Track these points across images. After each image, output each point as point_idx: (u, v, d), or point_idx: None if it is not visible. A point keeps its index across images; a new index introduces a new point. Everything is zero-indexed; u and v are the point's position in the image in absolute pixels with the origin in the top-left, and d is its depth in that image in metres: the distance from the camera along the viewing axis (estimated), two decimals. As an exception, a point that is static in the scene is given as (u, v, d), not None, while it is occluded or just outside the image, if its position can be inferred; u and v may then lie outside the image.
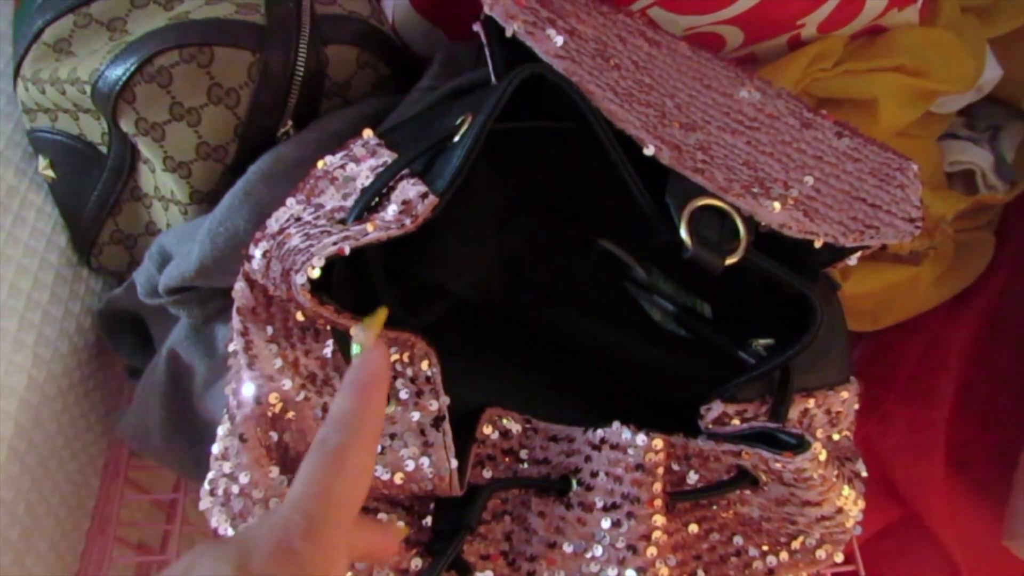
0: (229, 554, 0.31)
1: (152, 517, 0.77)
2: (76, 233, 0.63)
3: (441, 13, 0.61)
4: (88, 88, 0.54)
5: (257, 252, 0.42)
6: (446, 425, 0.44)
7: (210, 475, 0.44)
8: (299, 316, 0.44)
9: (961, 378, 0.71)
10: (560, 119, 0.46)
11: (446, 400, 0.44)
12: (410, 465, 0.44)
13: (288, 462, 0.44)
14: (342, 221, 0.42)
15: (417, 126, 0.48)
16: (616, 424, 0.46)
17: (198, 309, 0.55)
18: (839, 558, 0.50)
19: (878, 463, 0.71)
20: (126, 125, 0.54)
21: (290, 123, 0.56)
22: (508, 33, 0.45)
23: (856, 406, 0.51)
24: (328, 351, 0.44)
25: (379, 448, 0.44)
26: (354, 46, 0.57)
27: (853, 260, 0.49)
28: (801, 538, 0.49)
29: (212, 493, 0.44)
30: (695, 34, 0.57)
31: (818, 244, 0.46)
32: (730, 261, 0.44)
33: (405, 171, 0.42)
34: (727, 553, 0.49)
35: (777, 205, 0.45)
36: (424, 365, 0.44)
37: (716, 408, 0.47)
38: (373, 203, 0.42)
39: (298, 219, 0.42)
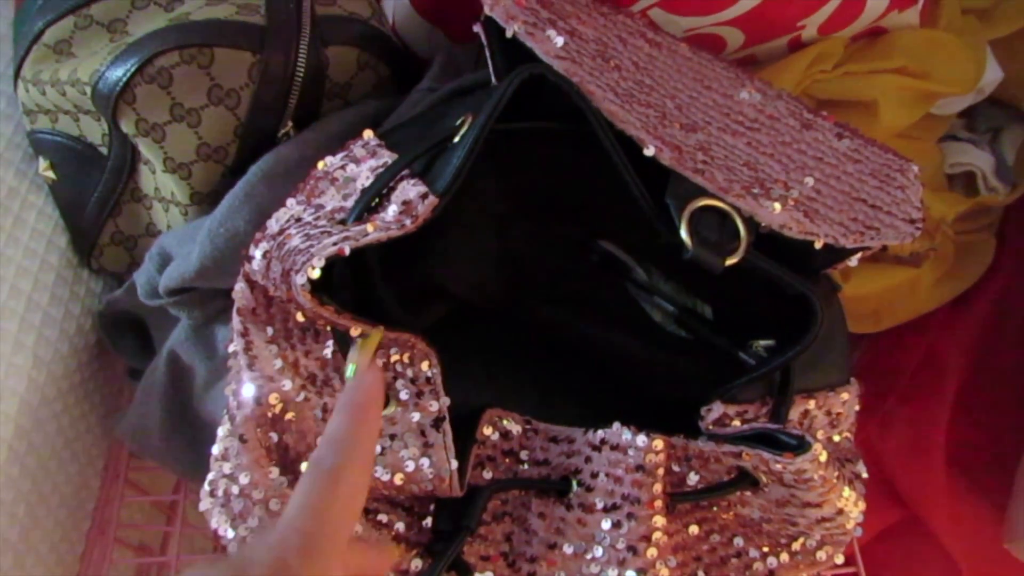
0: (226, 573, 0.32)
1: (152, 518, 0.77)
2: (76, 234, 0.63)
3: (442, 14, 0.61)
4: (88, 89, 0.54)
5: (257, 253, 0.42)
6: (446, 426, 0.44)
7: (210, 476, 0.44)
8: (299, 317, 0.44)
9: (962, 380, 0.71)
10: (560, 120, 0.46)
11: (446, 401, 0.44)
12: (410, 466, 0.44)
13: (288, 463, 0.44)
14: (342, 222, 0.42)
15: (417, 127, 0.49)
16: (616, 425, 0.46)
17: (198, 310, 0.55)
18: (840, 559, 0.50)
19: (879, 465, 0.71)
20: (126, 126, 0.54)
21: (290, 124, 0.56)
22: (508, 34, 0.45)
23: (857, 407, 0.51)
24: (328, 352, 0.44)
25: (379, 449, 0.44)
26: (354, 47, 0.57)
27: (854, 261, 0.49)
28: (802, 539, 0.49)
29: (212, 494, 0.44)
30: (695, 35, 0.57)
31: (818, 245, 0.46)
32: (730, 262, 0.44)
33: (405, 172, 0.42)
34: (727, 554, 0.49)
35: (777, 206, 0.45)
36: (424, 366, 0.44)
37: (716, 409, 0.47)
38: (373, 204, 0.42)
39: (298, 220, 0.42)
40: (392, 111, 0.55)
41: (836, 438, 0.49)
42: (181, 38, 0.52)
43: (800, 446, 0.43)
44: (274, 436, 0.43)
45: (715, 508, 0.49)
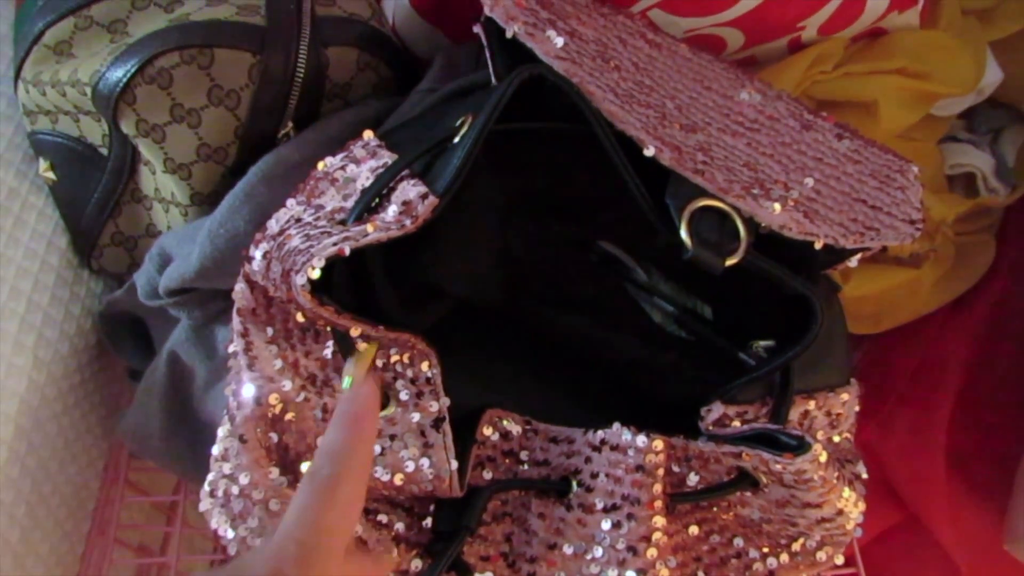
0: None
1: (152, 519, 0.77)
2: (77, 235, 0.63)
3: (442, 15, 0.61)
4: (89, 90, 0.54)
5: (257, 253, 0.42)
6: (446, 426, 0.44)
7: (210, 476, 0.44)
8: (299, 317, 0.44)
9: (962, 381, 0.71)
10: (560, 121, 0.46)
11: (446, 401, 0.44)
12: (410, 466, 0.44)
13: (288, 463, 0.44)
14: (342, 222, 0.42)
15: (417, 127, 0.49)
16: (616, 425, 0.46)
17: (198, 311, 0.55)
18: (840, 560, 0.50)
19: (879, 466, 0.71)
20: (126, 127, 0.54)
21: (290, 125, 0.56)
22: (508, 34, 0.45)
23: (857, 408, 0.51)
24: (328, 352, 0.44)
25: (379, 449, 0.44)
26: (354, 48, 0.57)
27: (853, 262, 0.49)
28: (802, 540, 0.49)
29: (212, 494, 0.44)
30: (695, 36, 0.57)
31: (818, 245, 0.46)
32: (730, 262, 0.44)
33: (405, 172, 0.42)
34: (727, 555, 0.49)
35: (777, 206, 0.45)
36: (424, 366, 0.44)
37: (716, 409, 0.47)
38: (373, 204, 0.42)
39: (298, 220, 0.42)
40: (392, 112, 0.55)
41: (836, 439, 0.49)
42: (181, 39, 0.52)
43: (800, 447, 0.43)
44: (274, 436, 0.43)
45: (715, 509, 0.49)
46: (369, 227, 0.40)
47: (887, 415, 0.72)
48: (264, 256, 0.42)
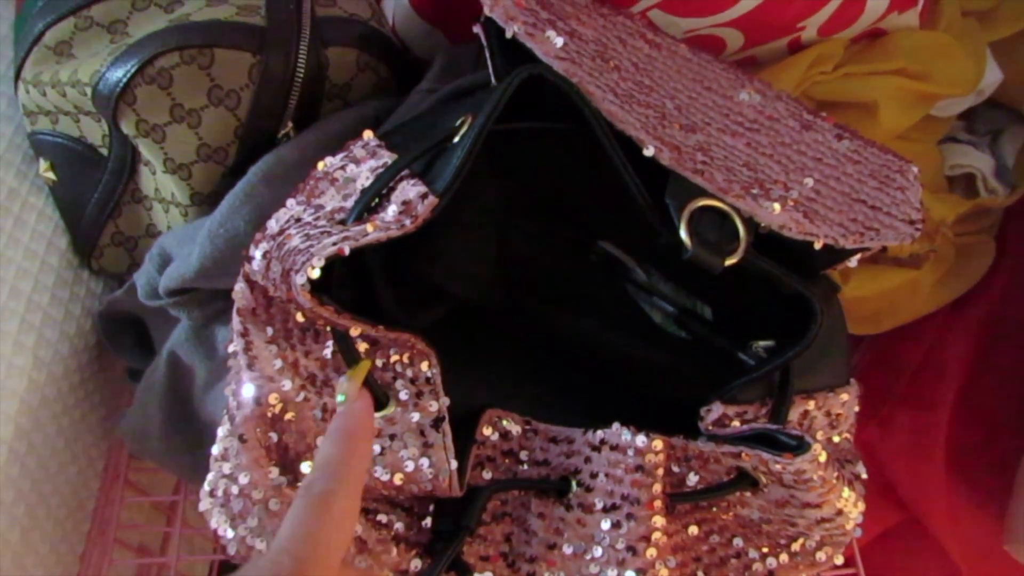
0: None
1: (152, 519, 0.77)
2: (77, 235, 0.64)
3: (441, 15, 0.61)
4: (89, 90, 0.54)
5: (257, 253, 0.42)
6: (446, 426, 0.44)
7: (210, 476, 0.44)
8: (299, 317, 0.44)
9: (961, 382, 0.71)
10: (560, 121, 0.46)
11: (446, 401, 0.45)
12: (410, 466, 0.44)
13: (288, 463, 0.44)
14: (342, 222, 0.42)
15: (417, 128, 0.49)
16: (616, 425, 0.46)
17: (198, 311, 0.55)
18: (839, 560, 0.49)
19: (879, 467, 0.71)
20: (126, 127, 0.54)
21: (290, 125, 0.56)
22: (508, 35, 0.45)
23: (856, 408, 0.51)
24: (328, 352, 0.44)
25: (379, 448, 0.44)
26: (354, 48, 0.57)
27: (853, 262, 0.49)
28: (801, 540, 0.49)
29: (212, 494, 0.44)
30: (695, 36, 0.57)
31: (818, 245, 0.46)
32: (730, 262, 0.44)
33: (405, 172, 0.42)
34: (727, 555, 0.49)
35: (777, 206, 0.45)
36: (424, 366, 0.44)
37: (716, 410, 0.47)
38: (373, 204, 0.42)
39: (298, 220, 0.42)
40: (392, 112, 0.56)
41: (836, 439, 0.49)
42: (181, 39, 0.52)
43: (799, 447, 0.43)
44: (274, 436, 0.43)
45: (715, 509, 0.49)
46: (369, 227, 0.40)
47: (887, 415, 0.72)
48: (264, 256, 0.42)
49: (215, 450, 0.44)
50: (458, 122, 0.43)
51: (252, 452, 0.42)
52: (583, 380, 0.56)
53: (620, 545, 0.45)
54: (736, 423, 0.47)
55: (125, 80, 0.52)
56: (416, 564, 0.46)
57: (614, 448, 0.46)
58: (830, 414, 0.49)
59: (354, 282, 0.47)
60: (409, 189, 0.41)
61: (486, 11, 0.46)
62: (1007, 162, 0.72)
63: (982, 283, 0.72)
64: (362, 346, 0.44)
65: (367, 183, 0.43)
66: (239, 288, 0.44)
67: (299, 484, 0.42)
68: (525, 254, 0.56)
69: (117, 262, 0.64)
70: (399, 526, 0.46)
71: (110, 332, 0.64)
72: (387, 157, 0.44)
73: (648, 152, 0.44)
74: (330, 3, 0.59)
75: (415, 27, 0.62)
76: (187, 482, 0.71)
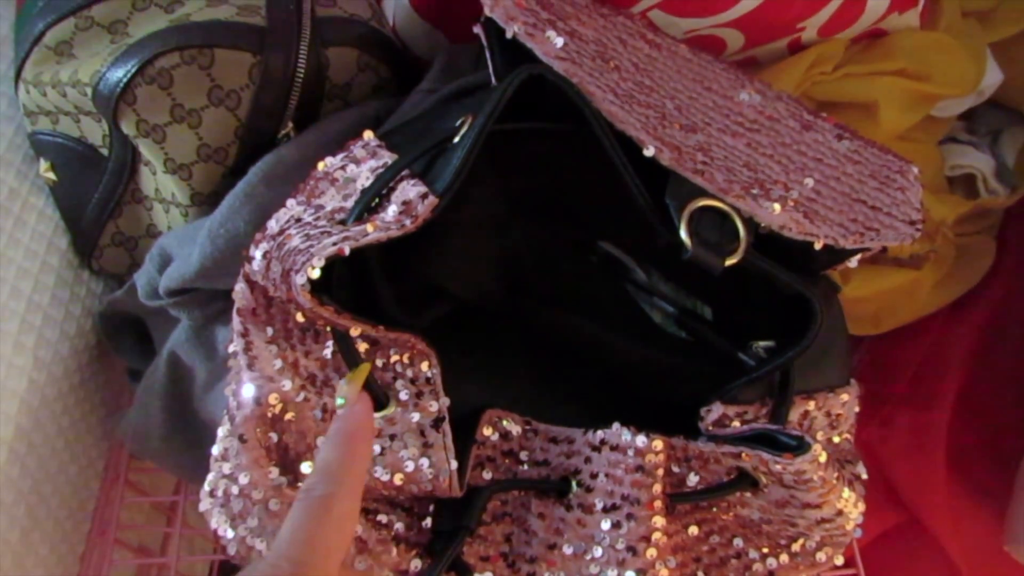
0: None
1: (152, 520, 0.77)
2: (77, 236, 0.64)
3: (442, 15, 0.61)
4: (89, 90, 0.54)
5: (257, 253, 0.42)
6: (446, 426, 0.44)
7: (210, 476, 0.44)
8: (299, 317, 0.44)
9: (962, 382, 0.71)
10: (560, 121, 0.46)
11: (446, 401, 0.45)
12: (410, 466, 0.44)
13: (288, 463, 0.44)
14: (342, 222, 0.42)
15: (417, 128, 0.49)
16: (616, 425, 0.46)
17: (198, 311, 0.55)
18: (839, 561, 0.49)
19: (879, 467, 0.71)
20: (127, 127, 0.54)
21: (291, 125, 0.56)
22: (508, 35, 0.45)
23: (856, 409, 0.51)
24: (328, 352, 0.44)
25: (379, 449, 0.44)
26: (354, 48, 0.57)
27: (853, 262, 0.49)
28: (801, 540, 0.49)
29: (212, 495, 0.44)
30: (695, 37, 0.57)
31: (818, 246, 0.46)
32: (730, 262, 0.44)
33: (405, 172, 0.42)
34: (727, 555, 0.49)
35: (777, 207, 0.45)
36: (424, 366, 0.44)
37: (716, 410, 0.47)
38: (373, 204, 0.42)
39: (298, 220, 0.42)
40: (392, 112, 0.56)
41: (836, 439, 0.49)
42: (182, 39, 0.52)
43: (799, 447, 0.43)
44: (274, 436, 0.43)
45: (715, 509, 0.49)
46: (369, 227, 0.40)
47: (887, 416, 0.72)
48: (264, 256, 0.42)
49: (215, 450, 0.44)
50: (458, 122, 0.43)
51: (252, 452, 0.42)
52: (583, 380, 0.56)
53: (620, 545, 0.45)
54: (736, 423, 0.47)
55: (125, 80, 0.52)
56: (416, 564, 0.46)
57: (614, 448, 0.46)
58: (830, 414, 0.49)
59: (354, 282, 0.47)
60: (409, 189, 0.41)
61: (486, 11, 0.46)
62: (1007, 162, 0.72)
63: (982, 284, 0.72)
64: (362, 346, 0.44)
65: (367, 183, 0.43)
66: (239, 288, 0.44)
67: (299, 484, 0.42)
68: (525, 254, 0.56)
69: (117, 262, 0.64)
70: (399, 526, 0.46)
71: (110, 332, 0.64)
72: (387, 157, 0.44)
73: (648, 152, 0.44)
74: (330, 3, 0.59)
75: (415, 27, 0.62)
76: (187, 482, 0.71)
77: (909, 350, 0.74)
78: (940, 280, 0.71)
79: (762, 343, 0.50)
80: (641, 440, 0.45)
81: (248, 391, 0.43)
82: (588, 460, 0.47)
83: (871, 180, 0.49)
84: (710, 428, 0.47)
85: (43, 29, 0.58)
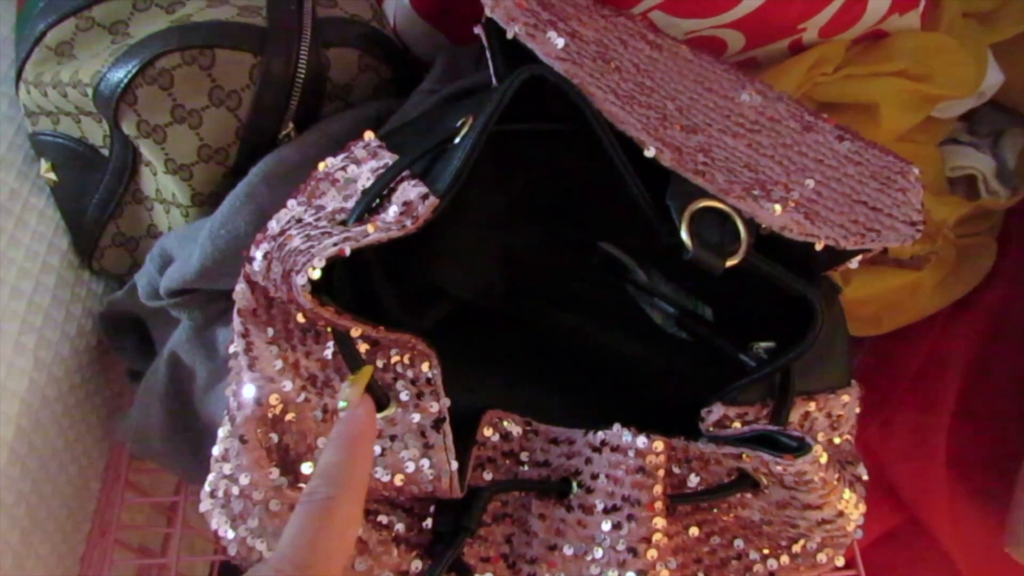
0: None
1: (153, 520, 0.77)
2: (78, 236, 0.64)
3: (442, 16, 0.61)
4: (90, 91, 0.54)
5: (258, 254, 0.42)
6: (446, 427, 0.44)
7: (210, 477, 0.44)
8: (300, 318, 0.44)
9: (963, 384, 0.71)
10: (561, 122, 0.46)
11: (447, 402, 0.44)
12: (410, 467, 0.44)
13: (288, 463, 0.44)
14: (343, 222, 0.42)
15: (418, 128, 0.49)
16: (617, 426, 0.46)
17: (199, 311, 0.55)
18: (840, 562, 0.49)
19: (880, 468, 0.71)
20: (127, 127, 0.54)
21: (291, 125, 0.56)
22: (509, 35, 0.45)
23: (857, 410, 0.51)
24: (328, 353, 0.44)
25: (379, 449, 0.44)
26: (355, 49, 0.57)
27: (854, 263, 0.49)
28: (802, 542, 0.49)
29: (212, 495, 0.44)
30: (696, 38, 0.57)
31: (819, 247, 0.46)
32: (730, 263, 0.44)
33: (406, 172, 0.42)
34: (728, 556, 0.49)
35: (778, 207, 0.45)
36: (425, 367, 0.44)
37: (717, 411, 0.47)
38: (374, 204, 0.42)
39: (299, 220, 0.42)
40: (393, 113, 0.56)
41: (837, 440, 0.49)
42: (182, 39, 0.52)
43: (800, 448, 0.43)
44: (274, 437, 0.43)
45: (715, 510, 0.49)
46: (370, 227, 0.40)
47: (888, 417, 0.72)
48: (265, 257, 0.42)
49: (216, 451, 0.44)
50: (459, 123, 0.43)
51: (253, 453, 0.42)
52: (584, 381, 0.56)
53: (621, 546, 0.45)
54: (737, 424, 0.47)
55: (126, 81, 0.52)
56: (416, 565, 0.46)
57: (615, 449, 0.46)
58: (831, 415, 0.49)
59: (355, 283, 0.47)
60: (410, 190, 0.41)
61: (487, 12, 0.46)
62: (1008, 164, 0.72)
63: (983, 285, 0.72)
64: (363, 347, 0.44)
65: (368, 184, 0.43)
66: (240, 289, 0.44)
67: (300, 485, 0.42)
68: (526, 255, 0.56)
69: (118, 263, 0.64)
70: (400, 527, 0.46)
71: (111, 333, 0.64)
72: (388, 158, 0.44)
73: (649, 153, 0.44)
74: (331, 4, 0.59)
75: (416, 28, 0.62)
76: (188, 483, 0.71)
77: (910, 351, 0.74)
78: (941, 281, 0.71)
79: (763, 344, 0.50)
80: (642, 441, 0.45)
81: (249, 392, 0.42)
82: (589, 461, 0.47)
83: (872, 181, 0.49)
84: (711, 429, 0.47)
85: (44, 30, 0.58)
